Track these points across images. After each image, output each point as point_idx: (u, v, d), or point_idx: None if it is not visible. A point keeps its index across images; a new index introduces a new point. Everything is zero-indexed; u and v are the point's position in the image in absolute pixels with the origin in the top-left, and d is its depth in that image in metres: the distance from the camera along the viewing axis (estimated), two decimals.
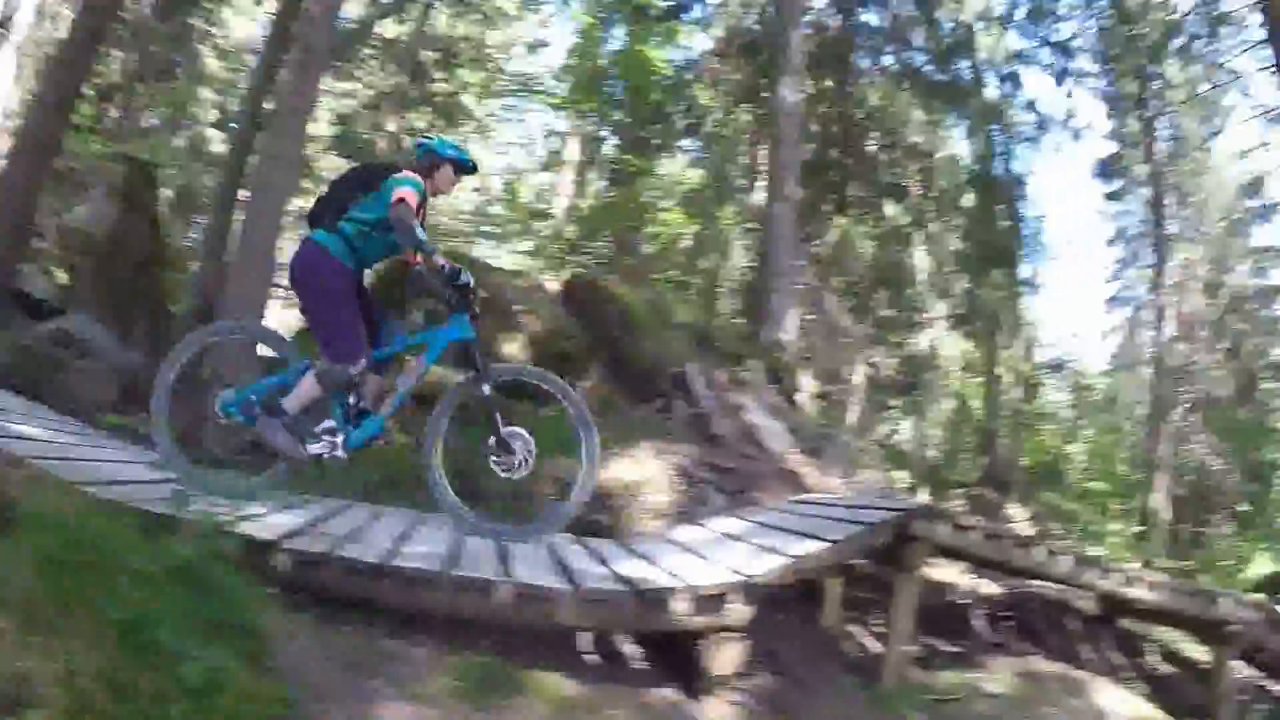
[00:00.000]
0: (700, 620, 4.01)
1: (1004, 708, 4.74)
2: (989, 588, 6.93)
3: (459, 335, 4.76)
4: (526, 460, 4.72)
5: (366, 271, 4.90)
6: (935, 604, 6.22)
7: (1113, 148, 19.37)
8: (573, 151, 18.08)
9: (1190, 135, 18.93)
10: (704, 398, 9.25)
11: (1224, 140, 19.21)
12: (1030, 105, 18.70)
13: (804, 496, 7.11)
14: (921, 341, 16.10)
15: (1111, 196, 20.23)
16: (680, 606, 3.98)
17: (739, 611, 4.03)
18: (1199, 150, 19.26)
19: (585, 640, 4.36)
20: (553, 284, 11.33)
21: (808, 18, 15.52)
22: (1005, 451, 17.08)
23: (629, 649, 4.49)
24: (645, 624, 4.09)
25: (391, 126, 17.82)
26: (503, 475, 4.72)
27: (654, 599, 3.99)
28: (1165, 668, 6.77)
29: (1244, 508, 20.30)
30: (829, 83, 16.97)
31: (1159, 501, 18.90)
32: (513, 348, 9.73)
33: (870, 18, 18.29)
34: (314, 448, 4.59)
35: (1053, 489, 17.60)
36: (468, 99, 17.45)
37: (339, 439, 4.63)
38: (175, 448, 4.76)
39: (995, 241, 15.94)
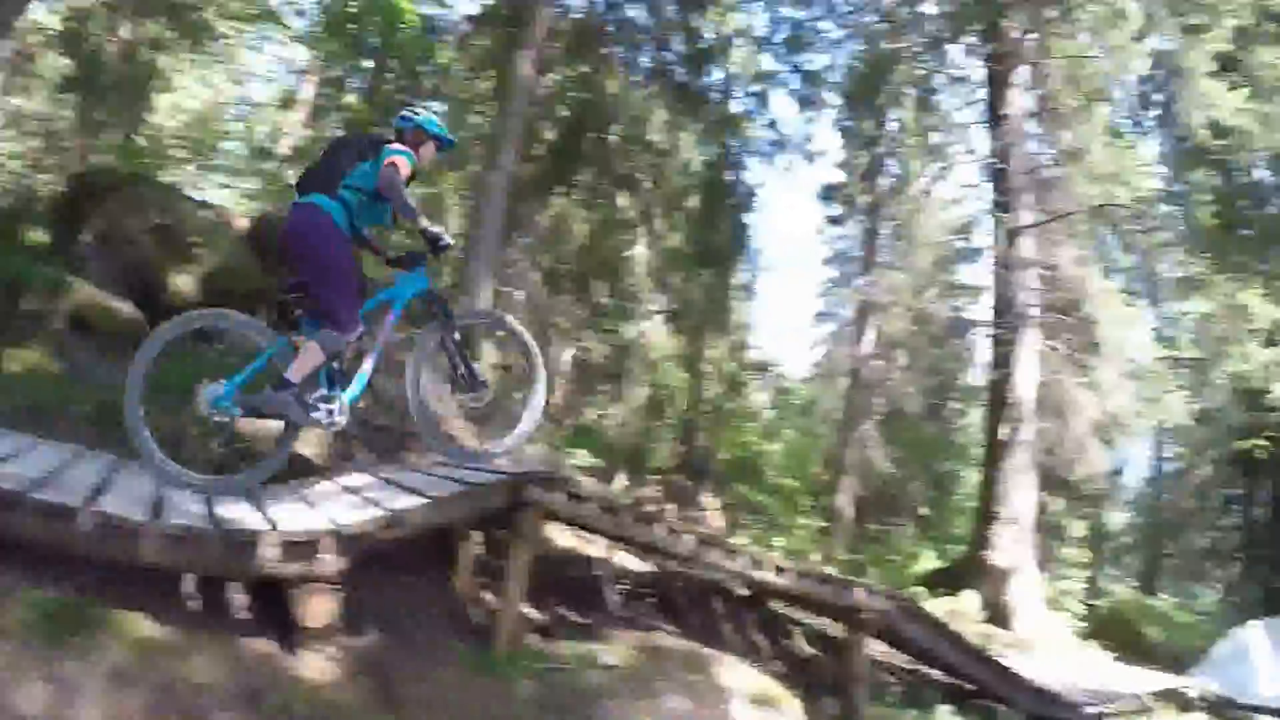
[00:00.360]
0: (291, 568, 3.91)
1: (615, 680, 4.70)
2: (637, 564, 7.06)
3: (421, 288, 5.03)
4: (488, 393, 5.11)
5: None
6: (574, 575, 6.29)
7: (840, 176, 20.82)
8: (309, 92, 17.45)
9: (912, 175, 20.63)
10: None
11: (942, 185, 21.14)
12: (772, 124, 19.87)
13: (443, 458, 6.91)
14: (632, 331, 16.71)
15: (832, 220, 21.78)
16: (268, 552, 3.86)
17: (331, 562, 3.96)
18: (920, 190, 21.05)
19: (190, 585, 4.17)
20: (243, 222, 10.96)
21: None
22: (704, 443, 18.01)
23: (239, 598, 4.32)
24: (234, 568, 3.92)
25: (125, 32, 16.55)
26: (472, 406, 5.19)
27: (240, 541, 3.85)
28: (809, 650, 7.13)
29: (924, 512, 22.46)
30: (584, 68, 17.29)
31: (843, 501, 20.43)
32: (183, 280, 9.36)
33: (636, 12, 18.87)
34: (315, 416, 4.68)
35: (747, 483, 18.74)
36: (211, 14, 16.37)
37: (336, 405, 4.73)
38: (157, 448, 4.61)
39: (715, 244, 16.74)
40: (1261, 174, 23.95)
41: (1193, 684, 11.97)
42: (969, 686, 7.40)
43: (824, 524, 19.61)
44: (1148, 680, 12.16)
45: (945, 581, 12.30)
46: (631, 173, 16.23)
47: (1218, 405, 19.62)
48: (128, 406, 4.51)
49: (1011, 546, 11.88)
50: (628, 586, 6.70)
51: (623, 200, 16.09)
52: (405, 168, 4.72)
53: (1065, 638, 14.55)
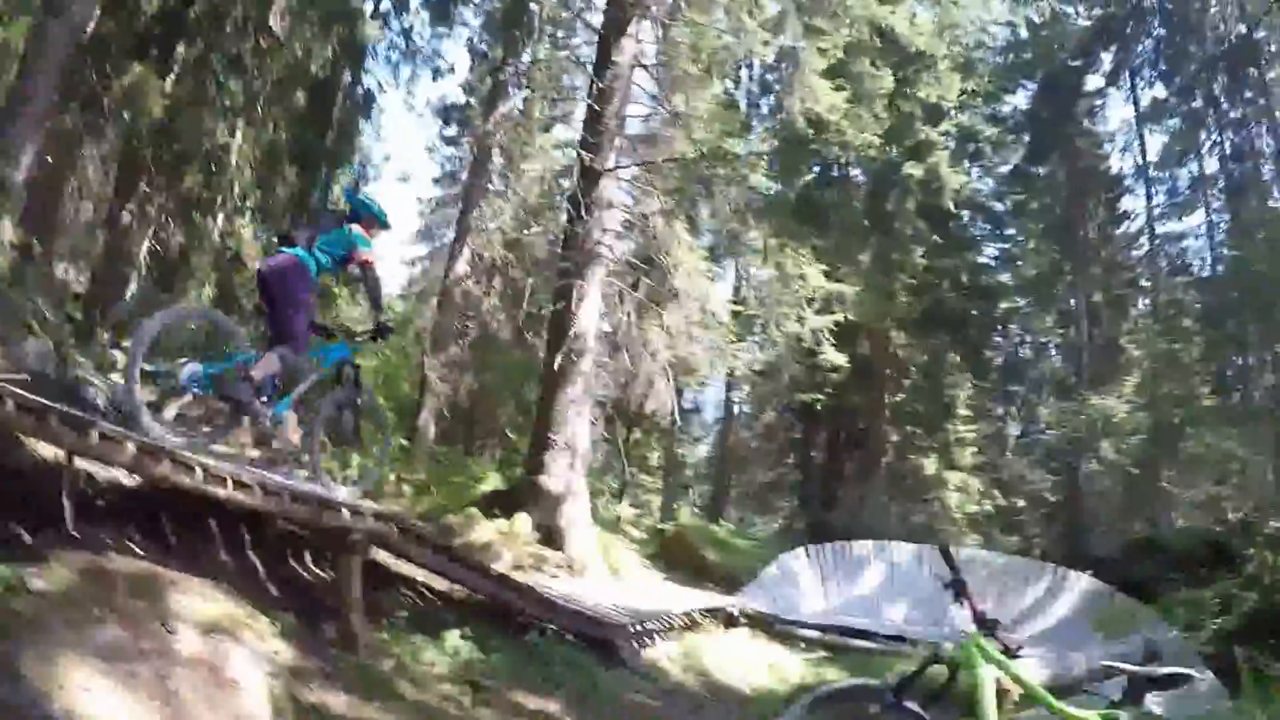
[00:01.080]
0: None
1: (46, 608, 4.09)
2: (108, 473, 6.21)
3: (345, 355, 6.63)
4: None
5: None
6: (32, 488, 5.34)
7: (462, 98, 20.52)
8: None
9: (532, 107, 20.70)
10: None
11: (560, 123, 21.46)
12: (405, 32, 19.01)
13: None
14: (216, 227, 15.28)
15: (447, 140, 21.51)
16: None
17: None
18: (535, 123, 21.19)
19: None
20: None
21: None
22: None
23: None
24: None
25: None
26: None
27: None
28: (315, 572, 6.73)
29: (513, 436, 23.00)
30: None
31: (426, 421, 20.40)
32: None
33: None
34: (256, 409, 5.85)
35: None
36: None
37: (269, 410, 6.01)
38: (151, 414, 5.56)
39: (319, 144, 15.77)
40: (849, 169, 27.55)
41: (737, 602, 13.40)
42: (517, 610, 7.65)
43: (405, 443, 19.51)
44: (699, 599, 13.31)
45: (502, 504, 12.69)
46: (241, 56, 14.65)
47: (778, 360, 22.15)
48: (128, 374, 5.42)
49: (565, 472, 12.46)
50: (102, 502, 5.77)
51: (228, 84, 14.48)
52: (375, 260, 6.51)
53: (624, 559, 15.68)
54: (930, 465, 26.05)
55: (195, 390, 5.85)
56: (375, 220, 6.56)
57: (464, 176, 23.16)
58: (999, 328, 30.40)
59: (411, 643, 6.47)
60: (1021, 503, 30.32)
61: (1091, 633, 15.36)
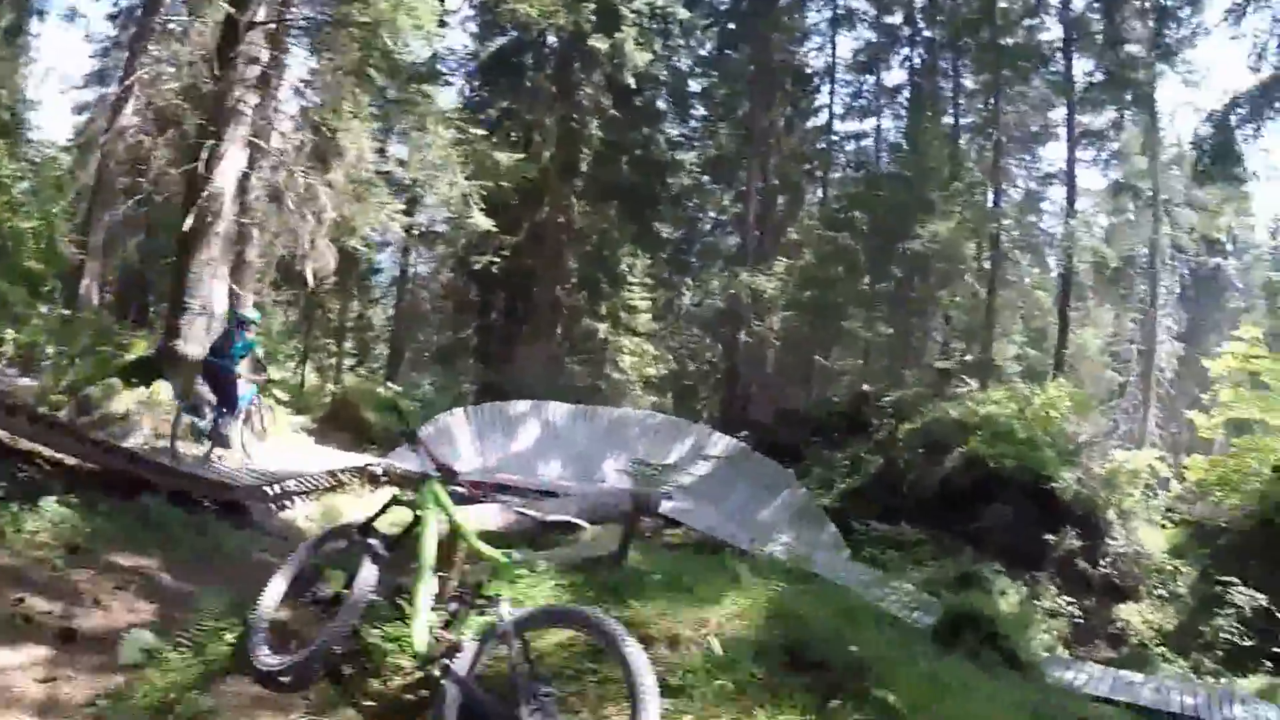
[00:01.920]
0: None
1: None
2: None
3: (253, 395, 12.06)
4: None
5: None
6: None
7: None
8: None
9: None
10: None
11: None
12: None
13: None
14: None
15: None
16: None
17: None
18: None
19: None
20: None
21: None
22: None
23: None
24: None
25: None
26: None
27: None
28: None
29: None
30: None
31: (89, 287, 19.01)
32: None
33: None
34: (223, 434, 11.11)
35: None
36: None
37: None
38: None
39: None
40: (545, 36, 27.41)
41: (385, 462, 13.85)
42: (136, 477, 7.75)
43: (68, 311, 18.12)
44: (347, 460, 13.75)
45: (142, 372, 12.34)
46: None
47: (448, 223, 22.33)
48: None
49: (202, 336, 12.20)
50: None
51: None
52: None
53: (282, 423, 15.63)
54: (604, 330, 27.65)
55: (198, 426, 11.33)
56: (252, 325, 11.64)
57: (139, 14, 20.78)
58: (678, 203, 32.25)
59: (10, 511, 6.53)
60: (693, 368, 33.00)
61: (736, 486, 17.39)
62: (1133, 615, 16.79)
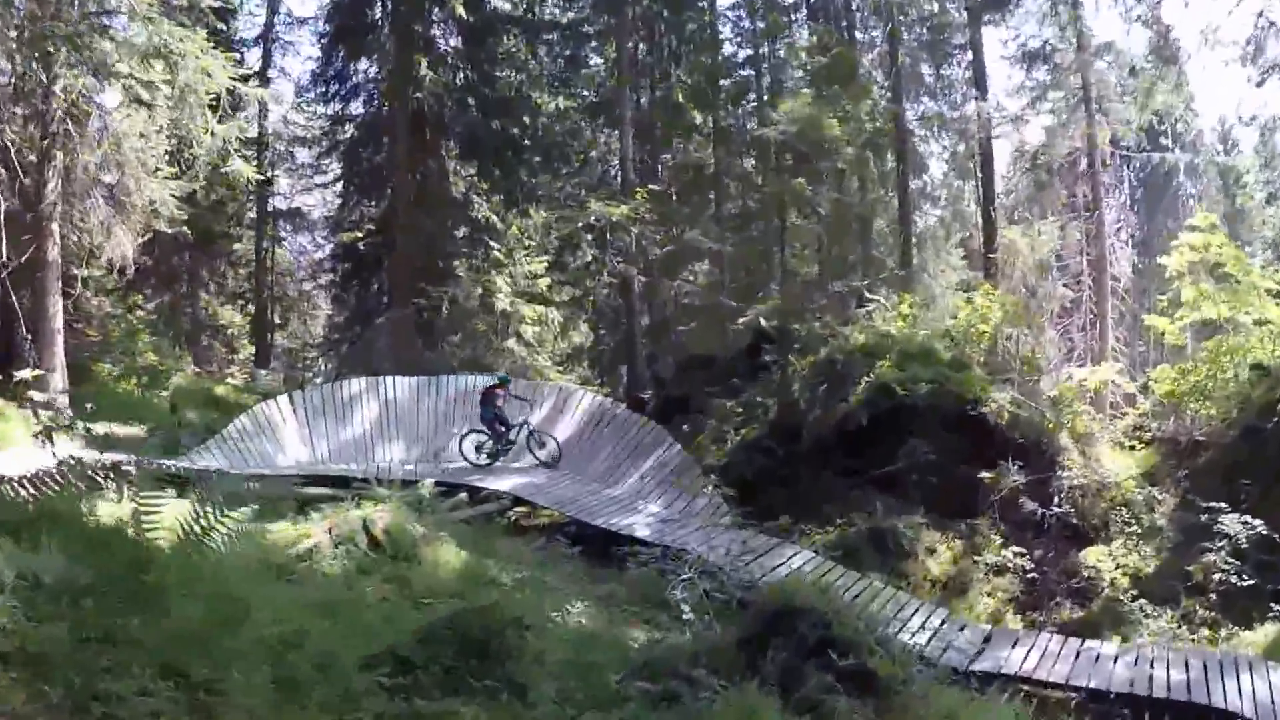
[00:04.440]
0: None
1: None
2: None
3: None
4: None
5: None
6: None
7: None
8: None
9: None
10: None
11: None
12: None
13: None
14: None
15: None
16: None
17: None
18: None
19: None
20: None
21: None
22: None
23: None
24: None
25: None
26: None
27: None
28: None
29: None
30: None
31: None
32: None
33: None
34: None
35: None
36: None
37: None
38: None
39: None
40: None
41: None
42: None
43: None
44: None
45: None
46: None
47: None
48: None
49: None
50: None
51: None
52: None
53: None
54: (504, 300, 23.85)
55: None
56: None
57: None
58: (554, 151, 28.34)
59: None
60: (603, 332, 29.82)
61: (600, 450, 15.28)
62: (1101, 560, 13.16)
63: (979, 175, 22.19)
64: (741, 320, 19.52)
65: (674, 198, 26.13)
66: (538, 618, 6.62)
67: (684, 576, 9.16)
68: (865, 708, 5.13)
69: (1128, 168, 32.13)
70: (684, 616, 8.44)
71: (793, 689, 5.05)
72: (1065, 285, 22.75)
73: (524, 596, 8.03)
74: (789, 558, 11.58)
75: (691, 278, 25.22)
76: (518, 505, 13.15)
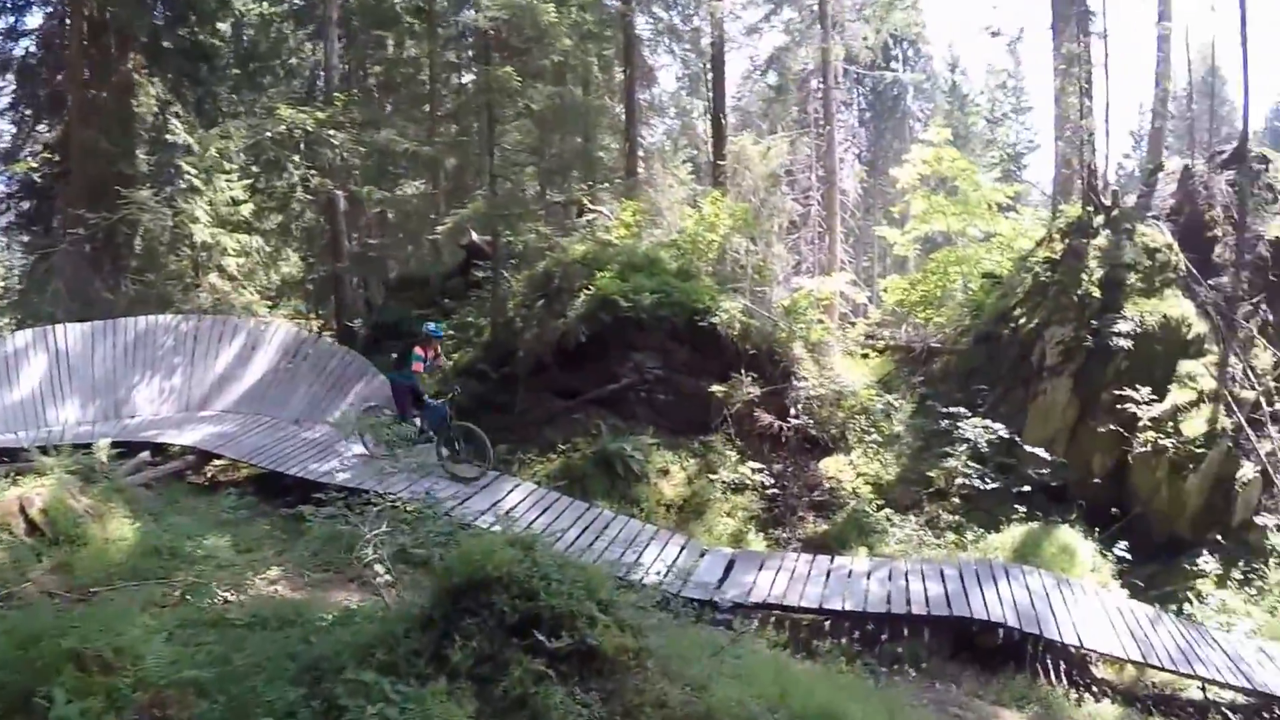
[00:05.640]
0: None
1: None
2: None
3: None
4: None
5: None
6: None
7: None
8: None
9: None
10: None
11: None
12: None
13: None
14: None
15: None
16: None
17: None
18: None
19: None
20: None
21: None
22: None
23: None
24: None
25: None
26: None
27: None
28: None
29: None
30: None
31: None
32: None
33: None
34: None
35: None
36: None
37: None
38: None
39: None
40: None
41: None
42: None
43: None
44: None
45: None
46: None
47: None
48: None
49: None
50: None
51: None
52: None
53: None
54: (203, 231, 19.74)
55: None
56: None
57: None
58: (252, 59, 24.26)
59: None
60: (313, 260, 26.04)
61: (297, 388, 13.74)
62: (842, 471, 12.33)
63: (709, 78, 20.81)
64: (440, 229, 17.05)
65: (386, 107, 23.06)
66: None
67: (376, 531, 6.93)
68: (588, 694, 3.96)
69: (859, 86, 32.24)
70: (377, 581, 6.42)
71: (493, 683, 3.87)
72: (794, 200, 22.05)
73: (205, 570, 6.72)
74: (506, 493, 10.54)
75: (403, 192, 22.33)
76: (211, 460, 11.74)
